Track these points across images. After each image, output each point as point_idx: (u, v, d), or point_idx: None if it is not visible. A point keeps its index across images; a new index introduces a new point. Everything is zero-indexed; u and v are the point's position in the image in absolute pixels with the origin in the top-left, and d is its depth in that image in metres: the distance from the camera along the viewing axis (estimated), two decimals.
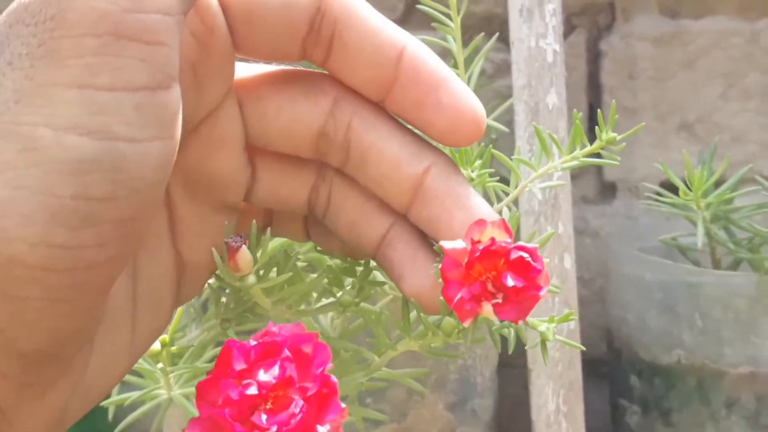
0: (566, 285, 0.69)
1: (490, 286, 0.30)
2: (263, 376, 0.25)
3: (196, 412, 0.56)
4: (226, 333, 0.67)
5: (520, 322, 0.31)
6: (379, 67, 0.29)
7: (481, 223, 0.30)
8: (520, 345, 0.74)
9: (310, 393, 0.25)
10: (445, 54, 0.70)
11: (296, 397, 0.25)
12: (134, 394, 0.55)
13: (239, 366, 0.26)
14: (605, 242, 0.66)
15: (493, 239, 0.29)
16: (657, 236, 0.76)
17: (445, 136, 0.29)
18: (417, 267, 0.31)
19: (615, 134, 0.49)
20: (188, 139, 0.30)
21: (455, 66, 0.65)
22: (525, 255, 0.29)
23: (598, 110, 0.45)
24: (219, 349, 0.62)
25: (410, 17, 0.89)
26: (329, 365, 0.26)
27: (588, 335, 0.75)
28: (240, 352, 0.26)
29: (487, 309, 0.32)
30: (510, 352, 0.44)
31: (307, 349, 0.26)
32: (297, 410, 0.25)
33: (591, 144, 0.51)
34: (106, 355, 0.29)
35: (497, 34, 0.66)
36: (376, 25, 0.29)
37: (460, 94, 0.29)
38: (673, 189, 0.68)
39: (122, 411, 0.76)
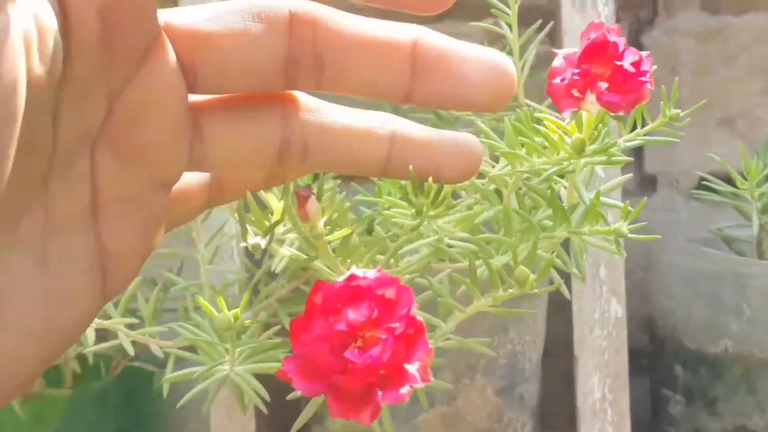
0: (614, 273, 0.70)
1: (597, 72, 0.33)
2: (352, 315, 0.26)
3: (251, 392, 0.57)
4: (277, 314, 0.68)
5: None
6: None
7: (598, 25, 0.32)
8: (561, 336, 0.75)
9: (397, 332, 0.26)
10: (496, 41, 0.71)
11: (384, 336, 0.26)
12: (198, 369, 0.56)
13: (329, 305, 0.26)
14: (652, 233, 0.66)
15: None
16: (696, 229, 0.77)
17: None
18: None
19: (678, 111, 0.50)
20: (114, 104, 0.26)
21: (510, 53, 0.65)
22: (635, 56, 0.32)
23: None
24: (277, 327, 0.62)
25: (453, 9, 0.90)
26: (414, 306, 0.26)
27: (627, 327, 0.75)
28: (329, 294, 0.26)
29: (590, 100, 0.37)
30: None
31: (391, 293, 0.27)
32: (387, 347, 0.25)
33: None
34: (11, 343, 0.26)
35: (551, 23, 0.67)
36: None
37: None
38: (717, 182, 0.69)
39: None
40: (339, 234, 0.37)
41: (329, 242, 0.40)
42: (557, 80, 0.39)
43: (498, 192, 0.56)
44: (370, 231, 0.56)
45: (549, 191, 0.50)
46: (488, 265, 0.46)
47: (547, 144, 0.48)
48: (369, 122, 0.29)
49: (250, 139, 0.29)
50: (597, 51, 0.39)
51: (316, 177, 0.51)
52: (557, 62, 0.40)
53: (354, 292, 0.26)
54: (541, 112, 0.65)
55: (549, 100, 0.70)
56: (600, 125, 0.42)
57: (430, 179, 0.30)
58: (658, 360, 0.77)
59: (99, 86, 0.25)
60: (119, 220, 0.27)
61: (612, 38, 0.38)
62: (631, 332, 0.72)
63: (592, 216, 0.45)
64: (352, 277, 0.26)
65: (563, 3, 0.68)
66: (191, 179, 0.31)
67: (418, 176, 0.29)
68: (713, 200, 0.66)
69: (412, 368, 0.26)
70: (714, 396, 0.70)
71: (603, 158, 0.46)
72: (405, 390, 0.25)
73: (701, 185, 0.72)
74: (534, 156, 0.49)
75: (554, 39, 0.77)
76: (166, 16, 0.27)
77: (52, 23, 0.23)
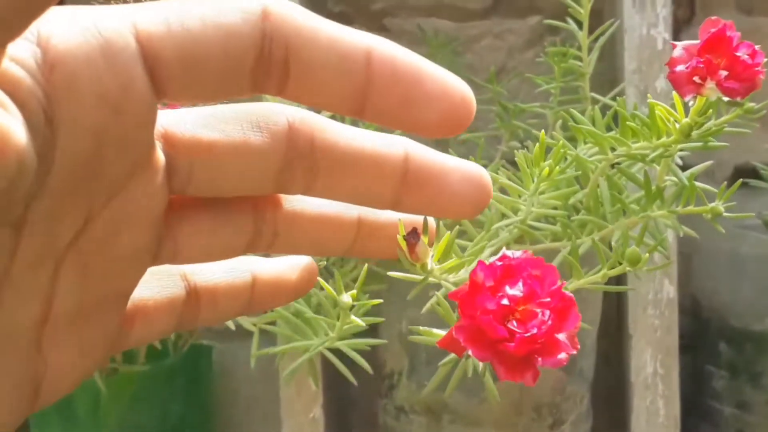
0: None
1: (716, 61, 0.38)
2: (511, 290, 0.29)
3: (342, 366, 0.60)
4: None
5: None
6: (349, 77, 0.25)
7: (715, 21, 0.37)
8: (603, 317, 0.79)
9: (554, 307, 0.29)
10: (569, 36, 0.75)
11: (539, 310, 0.29)
12: (302, 343, 0.60)
13: (489, 283, 0.29)
14: (696, 220, 0.71)
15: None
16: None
17: (440, 128, 0.26)
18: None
19: (753, 104, 0.55)
20: (90, 222, 0.25)
21: (579, 49, 0.70)
22: (750, 49, 0.37)
23: None
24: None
25: (499, 6, 0.94)
26: (560, 283, 0.29)
27: None
28: (488, 273, 0.29)
29: (710, 86, 0.43)
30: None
31: (537, 271, 0.30)
32: (546, 318, 0.29)
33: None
34: None
35: (617, 21, 0.72)
36: (334, 33, 0.25)
37: (445, 79, 0.26)
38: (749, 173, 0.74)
39: None
40: (449, 264, 0.40)
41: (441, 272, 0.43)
42: (680, 68, 0.44)
43: (576, 177, 0.60)
44: None
45: (642, 174, 0.54)
46: (594, 242, 0.51)
47: (644, 130, 0.53)
48: (337, 208, 0.30)
49: (224, 237, 0.28)
50: (716, 43, 0.44)
51: None
52: (677, 53, 0.45)
53: (509, 270, 0.29)
54: (606, 104, 0.69)
55: (612, 92, 0.75)
56: (709, 111, 0.47)
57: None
58: (701, 339, 0.82)
59: (78, 203, 0.24)
60: (66, 334, 0.26)
61: (729, 32, 0.43)
62: None
63: (690, 194, 0.50)
64: (505, 257, 0.30)
65: (625, 4, 0.73)
66: (159, 299, 0.29)
67: (435, 212, 0.30)
68: (758, 186, 0.71)
69: (562, 337, 0.29)
70: (759, 370, 0.75)
71: (699, 144, 0.50)
72: (562, 356, 0.29)
73: (737, 175, 0.77)
74: (630, 140, 0.53)
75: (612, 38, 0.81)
76: (166, 121, 0.26)
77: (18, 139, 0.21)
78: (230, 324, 0.68)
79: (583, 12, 0.68)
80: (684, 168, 0.58)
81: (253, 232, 0.29)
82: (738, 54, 0.44)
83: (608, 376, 0.89)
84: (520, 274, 0.29)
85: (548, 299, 0.29)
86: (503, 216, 0.60)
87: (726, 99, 0.46)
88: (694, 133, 0.49)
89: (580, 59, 0.70)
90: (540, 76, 0.73)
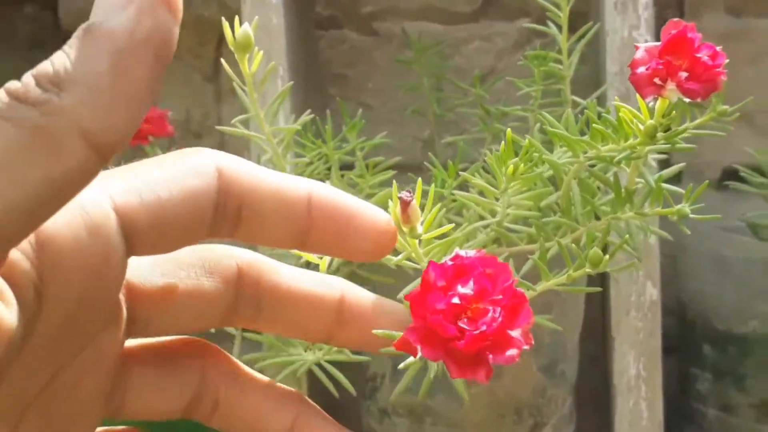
0: (650, 259, 0.74)
1: (676, 63, 0.39)
2: (462, 289, 0.29)
3: (327, 382, 0.60)
4: None
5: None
6: (295, 221, 0.29)
7: (677, 23, 0.38)
8: (589, 320, 0.79)
9: (503, 304, 0.29)
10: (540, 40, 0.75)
11: (491, 307, 0.29)
12: (286, 359, 0.60)
13: (440, 283, 0.29)
14: (683, 221, 0.71)
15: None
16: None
17: (371, 254, 0.30)
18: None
19: (726, 107, 0.55)
20: (58, 375, 0.27)
21: (559, 52, 0.70)
22: (711, 50, 0.37)
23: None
24: None
25: (488, 9, 0.94)
26: (514, 280, 0.30)
27: None
28: (439, 272, 0.30)
29: (670, 87, 0.44)
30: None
31: (491, 270, 0.30)
32: (497, 315, 0.29)
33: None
34: None
35: (598, 24, 0.72)
36: (279, 183, 0.28)
37: (372, 214, 0.30)
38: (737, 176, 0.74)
39: None
40: (438, 231, 0.41)
41: (430, 240, 0.44)
42: (641, 69, 0.44)
43: (551, 179, 0.61)
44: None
45: (612, 177, 0.55)
46: (560, 245, 0.51)
47: (610, 132, 0.53)
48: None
49: (168, 395, 0.30)
50: (677, 44, 0.44)
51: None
52: (639, 54, 0.45)
53: (460, 270, 0.30)
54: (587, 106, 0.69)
55: (592, 95, 0.75)
56: (673, 113, 0.47)
57: None
58: (686, 341, 0.82)
59: (52, 360, 0.26)
60: None
61: (690, 34, 0.43)
62: None
63: (657, 196, 0.50)
64: (458, 256, 0.30)
65: (606, 7, 0.73)
66: None
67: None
68: (742, 189, 0.71)
69: (515, 333, 0.29)
70: (742, 373, 0.75)
71: (667, 145, 0.51)
72: (513, 352, 0.29)
73: (724, 177, 0.77)
74: (599, 143, 0.53)
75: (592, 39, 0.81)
76: (127, 273, 0.28)
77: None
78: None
79: (562, 15, 0.68)
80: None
81: (195, 394, 0.30)
82: (699, 55, 0.45)
83: (595, 379, 0.89)
84: (472, 273, 0.30)
85: (500, 296, 0.29)
86: (480, 218, 0.61)
87: (687, 100, 0.46)
88: (660, 135, 0.49)
89: (560, 62, 0.70)
90: (523, 79, 0.73)
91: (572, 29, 0.68)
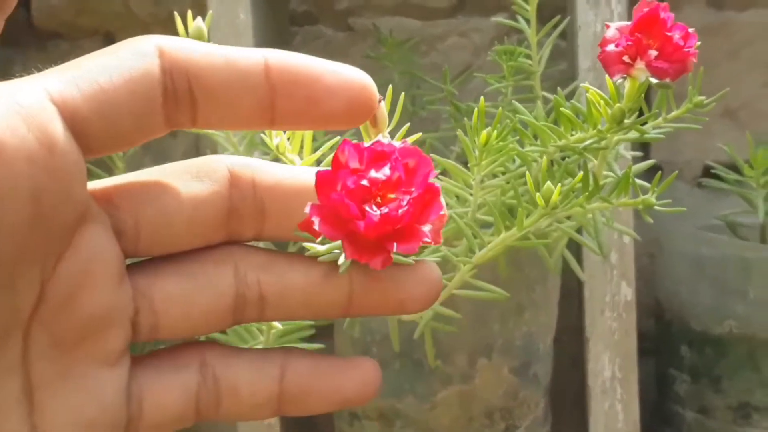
0: (624, 258, 0.73)
1: (646, 42, 0.37)
2: (375, 173, 0.27)
3: None
4: None
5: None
6: (254, 91, 0.27)
7: (650, 2, 0.36)
8: (568, 322, 0.78)
9: (414, 195, 0.27)
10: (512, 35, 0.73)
11: (402, 197, 0.28)
12: None
13: (353, 164, 0.28)
14: (659, 221, 0.70)
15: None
16: (699, 216, 0.80)
17: (348, 118, 0.28)
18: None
19: (702, 97, 0.54)
20: (46, 285, 0.26)
21: (527, 47, 0.68)
22: (683, 31, 0.38)
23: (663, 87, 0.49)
24: None
25: (465, 4, 0.93)
26: (433, 174, 0.28)
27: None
28: (354, 152, 0.28)
29: (639, 66, 0.42)
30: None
31: (413, 162, 0.28)
32: (404, 204, 0.27)
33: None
34: None
35: (568, 18, 0.70)
36: (228, 53, 0.27)
37: (341, 71, 0.28)
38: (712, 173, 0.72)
39: None
40: (410, 138, 0.39)
41: None
42: (610, 47, 0.43)
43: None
44: None
45: (579, 167, 0.53)
46: (515, 189, 0.50)
47: (579, 121, 0.51)
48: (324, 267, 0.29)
49: (203, 300, 0.28)
50: (648, 23, 0.43)
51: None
52: (610, 33, 0.44)
53: (378, 155, 0.28)
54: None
55: (563, 92, 0.74)
56: (641, 97, 0.46)
57: None
58: (664, 342, 0.80)
59: (29, 269, 0.25)
60: (51, 402, 0.26)
61: (663, 14, 0.42)
62: (637, 316, 0.75)
63: (623, 187, 0.49)
64: (378, 143, 0.28)
65: (578, 1, 0.71)
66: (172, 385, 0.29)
67: (381, 311, 0.30)
68: (720, 188, 0.70)
69: (425, 228, 0.28)
70: (719, 374, 0.73)
71: (636, 135, 0.49)
72: (416, 245, 0.27)
73: (706, 173, 0.75)
74: (568, 132, 0.52)
75: (567, 35, 0.80)
76: (104, 183, 0.27)
77: None
78: None
79: (530, 9, 0.66)
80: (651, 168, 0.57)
81: (236, 294, 0.28)
82: (670, 34, 0.43)
83: (575, 381, 0.87)
84: (389, 160, 0.28)
85: (412, 188, 0.28)
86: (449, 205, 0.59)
87: (655, 81, 0.45)
88: (629, 122, 0.48)
89: (530, 57, 0.68)
90: (493, 75, 0.71)
91: (547, 24, 0.67)
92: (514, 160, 0.59)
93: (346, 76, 0.28)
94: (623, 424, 0.73)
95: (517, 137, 0.56)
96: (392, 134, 0.36)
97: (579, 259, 0.71)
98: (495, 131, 0.52)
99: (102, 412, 0.27)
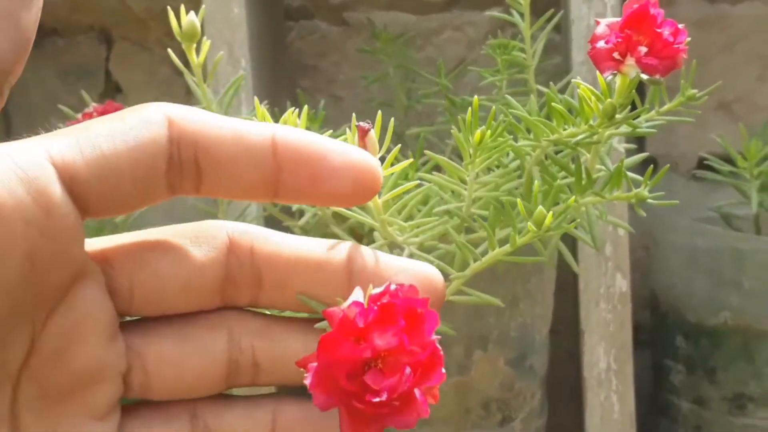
0: (619, 250, 0.73)
1: (636, 38, 0.38)
2: (378, 340, 0.26)
3: None
4: None
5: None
6: (260, 166, 0.27)
7: None
8: (564, 314, 0.78)
9: (417, 361, 0.26)
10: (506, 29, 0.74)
11: (405, 366, 0.26)
12: None
13: (360, 323, 0.26)
14: (655, 213, 0.70)
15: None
16: (694, 209, 0.81)
17: (350, 198, 0.28)
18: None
19: (695, 91, 0.54)
20: (37, 340, 0.26)
21: (521, 41, 0.69)
22: (673, 27, 0.39)
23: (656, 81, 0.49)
24: None
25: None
26: (437, 330, 0.27)
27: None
28: (361, 313, 0.27)
29: (629, 62, 0.43)
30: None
31: (421, 310, 0.27)
32: (404, 379, 0.26)
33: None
34: None
35: (562, 11, 0.70)
36: (237, 127, 0.27)
37: (348, 152, 0.28)
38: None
39: None
40: (398, 167, 0.38)
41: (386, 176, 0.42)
42: (601, 44, 0.44)
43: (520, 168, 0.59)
44: None
45: (572, 161, 0.53)
46: (500, 204, 0.50)
47: (572, 116, 0.52)
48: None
49: (195, 364, 0.28)
50: (638, 20, 0.43)
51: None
52: (600, 29, 0.44)
53: (386, 311, 0.27)
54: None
55: (557, 86, 0.74)
56: (633, 92, 0.46)
57: None
58: (659, 333, 0.81)
59: (21, 324, 0.25)
60: None
61: (653, 10, 0.42)
62: (633, 308, 0.76)
63: (616, 181, 0.49)
64: (387, 291, 0.27)
65: None
66: None
67: None
68: (714, 179, 0.70)
69: (419, 395, 0.27)
70: (714, 365, 0.73)
71: (628, 129, 0.49)
72: (412, 420, 0.27)
73: (701, 166, 0.75)
74: (561, 127, 0.52)
75: (561, 28, 0.80)
76: (103, 242, 0.28)
77: None
78: None
79: (524, 3, 0.66)
80: (647, 160, 0.58)
81: (229, 357, 0.29)
82: (660, 31, 0.44)
83: (571, 374, 0.88)
84: (398, 320, 0.27)
85: (418, 349, 0.27)
86: (444, 201, 0.59)
87: (645, 77, 0.45)
88: (621, 117, 0.48)
89: (524, 51, 0.68)
90: (488, 69, 0.71)
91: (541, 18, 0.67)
92: (508, 154, 0.59)
93: (352, 157, 0.28)
94: (619, 415, 0.74)
95: (512, 136, 0.56)
96: (382, 160, 0.36)
97: (574, 252, 0.71)
98: (489, 130, 0.52)
99: None
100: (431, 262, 0.53)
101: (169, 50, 0.55)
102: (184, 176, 0.27)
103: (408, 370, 0.26)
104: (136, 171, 0.26)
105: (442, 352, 0.27)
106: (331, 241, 0.29)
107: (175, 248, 0.28)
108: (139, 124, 0.26)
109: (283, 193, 0.28)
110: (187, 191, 0.27)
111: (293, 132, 0.28)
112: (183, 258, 0.28)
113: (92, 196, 0.25)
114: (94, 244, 0.28)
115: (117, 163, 0.26)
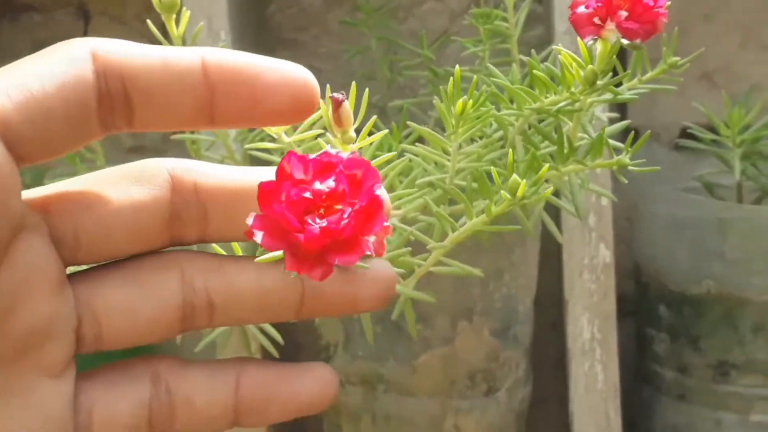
0: (603, 221, 0.73)
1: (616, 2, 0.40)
2: (318, 185, 0.27)
3: (263, 338, 0.59)
4: None
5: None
6: (191, 91, 0.27)
7: None
8: (548, 286, 0.78)
9: (358, 206, 0.27)
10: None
11: (345, 208, 0.28)
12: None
13: (298, 175, 0.28)
14: (638, 184, 0.70)
15: None
16: (677, 179, 0.81)
17: (289, 115, 0.28)
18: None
19: (677, 58, 0.54)
20: None
21: (505, 10, 0.68)
22: None
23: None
24: None
25: None
26: (378, 185, 0.28)
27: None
28: (299, 163, 0.28)
29: (609, 27, 0.43)
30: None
31: (359, 173, 0.28)
32: (345, 216, 0.27)
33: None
34: None
35: None
36: (163, 53, 0.27)
37: (282, 68, 0.27)
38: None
39: None
40: (371, 139, 0.38)
41: (359, 148, 0.42)
42: (581, 9, 0.44)
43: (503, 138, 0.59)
44: None
45: (555, 130, 0.53)
46: (481, 175, 0.50)
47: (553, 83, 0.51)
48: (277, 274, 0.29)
49: (148, 309, 0.28)
50: None
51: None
52: None
53: (324, 166, 0.28)
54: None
55: (539, 56, 0.74)
56: (614, 58, 0.46)
57: None
58: (643, 303, 0.81)
59: None
60: (4, 420, 0.26)
61: None
62: (617, 279, 0.76)
63: (597, 149, 0.49)
64: (326, 153, 0.28)
65: None
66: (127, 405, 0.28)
67: (335, 311, 0.30)
68: (696, 148, 0.70)
69: (369, 239, 0.28)
70: (697, 334, 0.74)
71: (609, 96, 0.49)
72: (356, 257, 0.28)
73: (683, 136, 0.76)
74: (543, 95, 0.52)
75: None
76: (41, 191, 0.27)
77: None
78: None
79: None
80: (629, 130, 0.57)
81: (183, 301, 0.28)
82: None
83: (556, 345, 0.88)
84: (335, 171, 0.28)
85: (356, 200, 0.28)
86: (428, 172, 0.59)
87: (626, 42, 0.45)
88: (602, 83, 0.48)
89: (507, 20, 0.68)
90: (470, 39, 0.71)
91: None
92: (491, 125, 0.59)
93: (287, 72, 0.27)
94: (603, 384, 0.74)
95: (495, 106, 0.56)
96: (358, 131, 0.36)
97: (558, 222, 0.71)
98: (471, 100, 0.52)
99: (46, 424, 0.26)
100: (413, 234, 0.53)
101: (149, 21, 0.54)
102: (115, 111, 0.26)
103: (348, 209, 0.27)
104: (66, 111, 0.25)
105: (382, 200, 0.28)
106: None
107: (117, 190, 0.27)
108: (64, 62, 0.25)
109: (219, 117, 0.27)
110: (119, 127, 0.27)
111: (223, 53, 0.27)
112: (126, 199, 0.27)
113: (25, 141, 0.25)
114: (32, 194, 0.27)
115: (47, 105, 0.25)
